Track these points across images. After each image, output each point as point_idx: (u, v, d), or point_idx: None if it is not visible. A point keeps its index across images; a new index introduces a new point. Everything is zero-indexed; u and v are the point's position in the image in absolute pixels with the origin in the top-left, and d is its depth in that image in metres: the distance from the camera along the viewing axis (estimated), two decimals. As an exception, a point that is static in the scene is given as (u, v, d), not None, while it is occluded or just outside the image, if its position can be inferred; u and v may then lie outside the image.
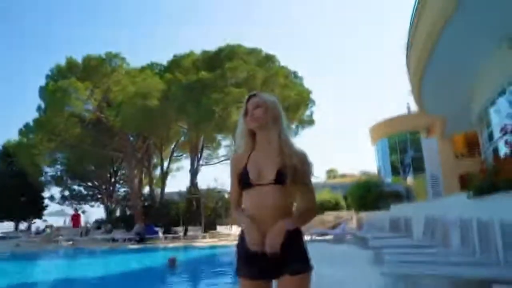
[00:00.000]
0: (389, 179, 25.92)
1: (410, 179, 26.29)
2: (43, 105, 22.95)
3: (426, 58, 9.83)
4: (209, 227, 22.18)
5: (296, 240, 1.72)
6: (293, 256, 1.69)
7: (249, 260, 1.70)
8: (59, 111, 20.50)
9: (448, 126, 17.21)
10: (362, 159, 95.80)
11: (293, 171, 1.73)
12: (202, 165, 27.52)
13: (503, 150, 8.14)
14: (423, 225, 7.54)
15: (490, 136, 11.25)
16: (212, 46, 23.98)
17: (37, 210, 30.16)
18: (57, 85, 20.30)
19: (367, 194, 16.58)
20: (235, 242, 1.82)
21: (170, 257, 9.96)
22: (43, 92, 22.18)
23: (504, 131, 3.65)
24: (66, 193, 29.64)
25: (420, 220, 7.74)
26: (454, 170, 19.98)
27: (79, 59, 22.81)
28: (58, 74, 22.70)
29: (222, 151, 29.16)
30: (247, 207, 1.78)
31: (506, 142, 3.64)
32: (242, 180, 1.78)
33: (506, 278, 3.18)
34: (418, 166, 24.65)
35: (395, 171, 27.72)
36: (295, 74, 23.64)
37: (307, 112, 23.15)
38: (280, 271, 1.68)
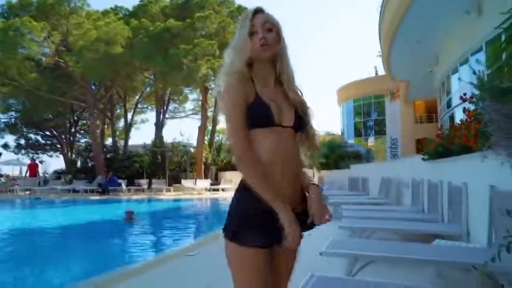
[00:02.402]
0: (351, 140, 26.92)
1: (371, 141, 27.44)
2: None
3: (397, 24, 9.99)
4: (174, 180, 22.23)
5: None
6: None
7: (259, 222, 1.22)
8: (11, 52, 18.91)
9: (411, 91, 17.84)
10: (328, 120, 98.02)
11: (310, 113, 1.40)
12: (168, 118, 27.04)
13: (458, 117, 8.60)
14: (379, 184, 8.01)
15: (449, 104, 11.83)
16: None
17: (-10, 158, 28.61)
18: (9, 23, 18.58)
19: (329, 154, 17.14)
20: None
21: (127, 210, 9.17)
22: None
23: (463, 99, 3.84)
24: (22, 141, 28.16)
25: (377, 179, 8.19)
26: (412, 133, 21.02)
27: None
28: (9, 12, 20.75)
29: (189, 105, 28.68)
30: (260, 156, 1.26)
31: (464, 110, 3.84)
32: (260, 115, 1.27)
33: (448, 233, 3.51)
34: (380, 129, 25.74)
35: (357, 132, 28.76)
36: (267, 29, 23.03)
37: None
38: None
